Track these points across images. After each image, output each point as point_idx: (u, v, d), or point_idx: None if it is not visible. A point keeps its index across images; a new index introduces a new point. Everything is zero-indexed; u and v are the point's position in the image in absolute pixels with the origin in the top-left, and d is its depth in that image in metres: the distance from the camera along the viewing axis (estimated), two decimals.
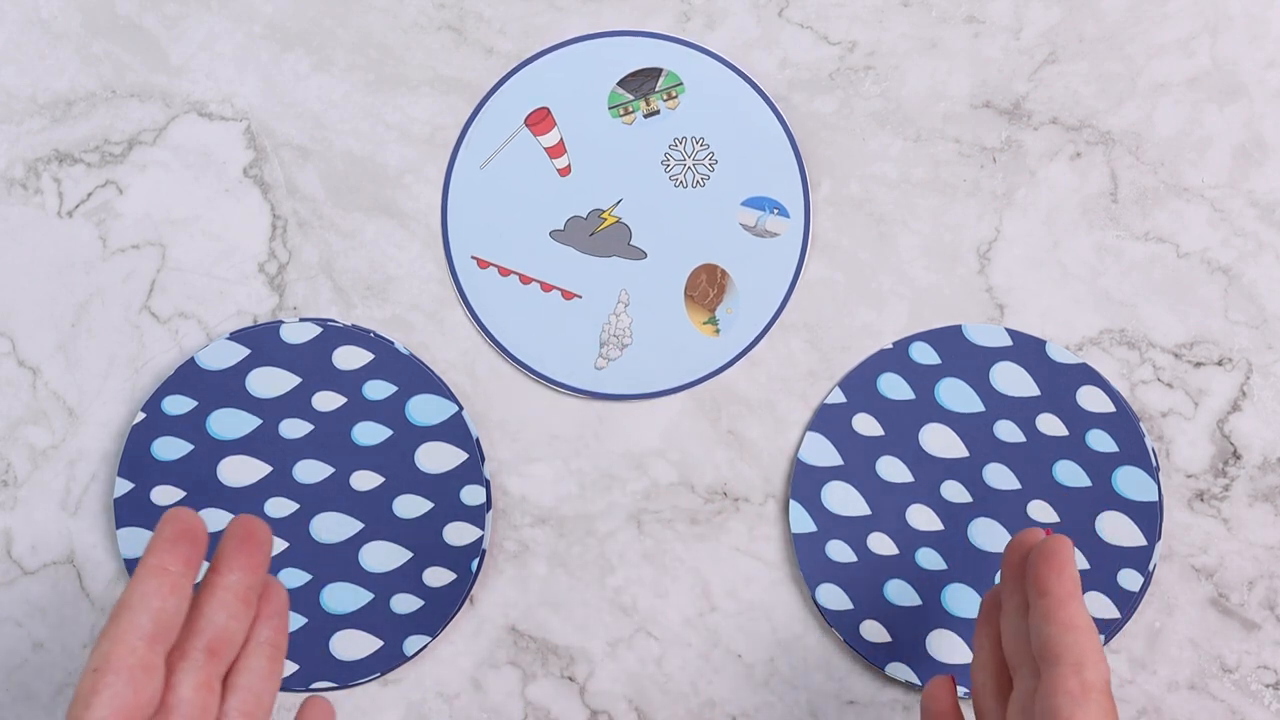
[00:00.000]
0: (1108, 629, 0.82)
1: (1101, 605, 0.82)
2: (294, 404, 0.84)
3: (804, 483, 0.84)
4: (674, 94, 0.86)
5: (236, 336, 0.85)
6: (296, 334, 0.85)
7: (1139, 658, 0.83)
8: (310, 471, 0.84)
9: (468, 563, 0.84)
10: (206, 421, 0.84)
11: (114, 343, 0.86)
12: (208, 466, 0.84)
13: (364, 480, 0.84)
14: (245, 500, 0.84)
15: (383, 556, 0.84)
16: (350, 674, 0.84)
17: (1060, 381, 0.83)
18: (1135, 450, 0.83)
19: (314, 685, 0.84)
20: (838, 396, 0.85)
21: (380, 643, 0.84)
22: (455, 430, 0.85)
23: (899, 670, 0.83)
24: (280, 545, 0.84)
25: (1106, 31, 0.85)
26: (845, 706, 0.84)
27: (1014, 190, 0.85)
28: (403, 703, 0.85)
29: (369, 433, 0.84)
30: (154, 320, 0.86)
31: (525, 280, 0.86)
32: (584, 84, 0.86)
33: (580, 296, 0.85)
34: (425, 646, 0.84)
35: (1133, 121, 0.85)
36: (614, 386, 0.85)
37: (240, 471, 0.84)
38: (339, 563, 0.84)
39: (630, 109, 0.86)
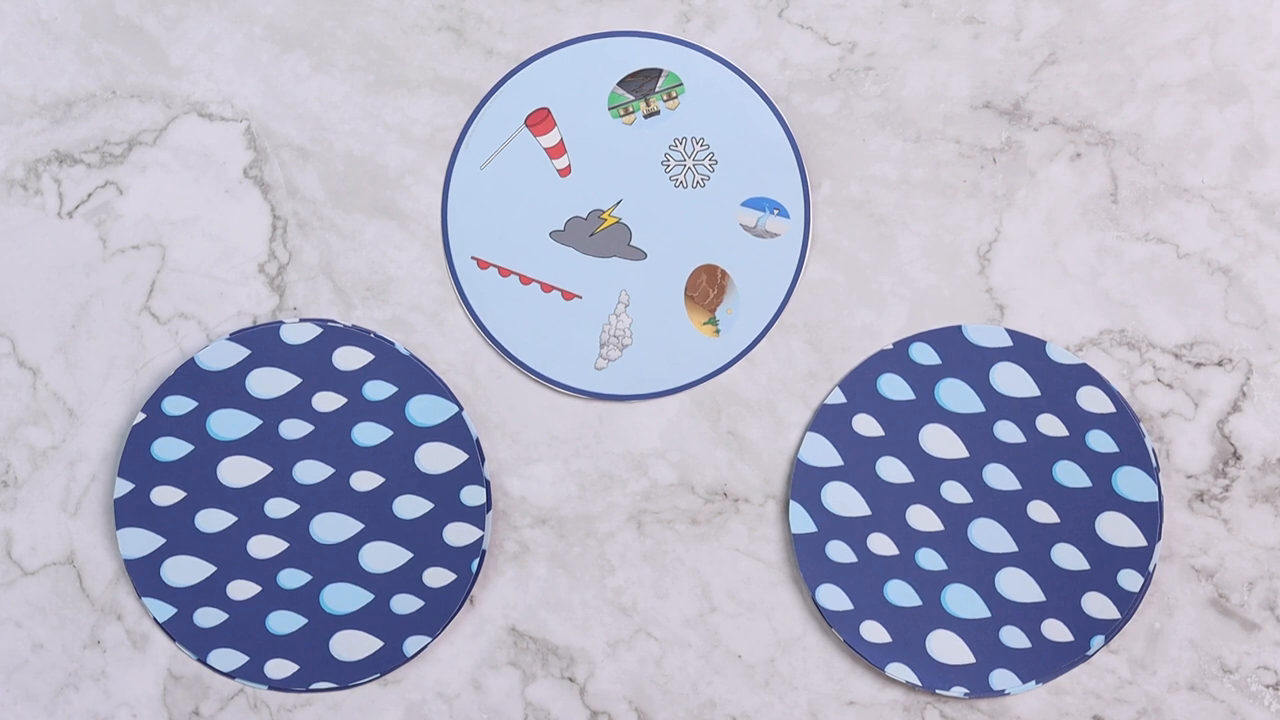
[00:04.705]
0: (1108, 629, 0.82)
1: (1101, 605, 0.82)
2: (294, 404, 0.84)
3: (804, 483, 0.84)
4: (674, 94, 0.86)
5: (236, 337, 0.85)
6: (296, 334, 0.85)
7: (1139, 658, 0.83)
8: (310, 472, 0.84)
9: (468, 563, 0.84)
10: (206, 422, 0.84)
11: (114, 343, 0.86)
12: (208, 467, 0.84)
13: (364, 481, 0.84)
14: (245, 501, 0.84)
15: (383, 557, 0.84)
16: (350, 674, 0.84)
17: (1060, 382, 0.83)
18: (1135, 451, 0.83)
19: (314, 685, 0.84)
20: (838, 397, 0.85)
21: (380, 643, 0.84)
22: (455, 431, 0.85)
23: (899, 670, 0.83)
24: (280, 545, 0.84)
25: (1106, 32, 0.85)
26: (845, 707, 0.84)
27: (1014, 191, 0.85)
28: (403, 703, 0.85)
29: (369, 433, 0.84)
30: (154, 321, 0.86)
31: (525, 281, 0.86)
32: (584, 84, 0.86)
33: (580, 297, 0.85)
34: (425, 647, 0.84)
35: (1133, 122, 0.85)
36: (614, 387, 0.85)
37: (240, 472, 0.84)
38: (339, 563, 0.84)
39: (630, 109, 0.86)
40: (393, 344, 0.85)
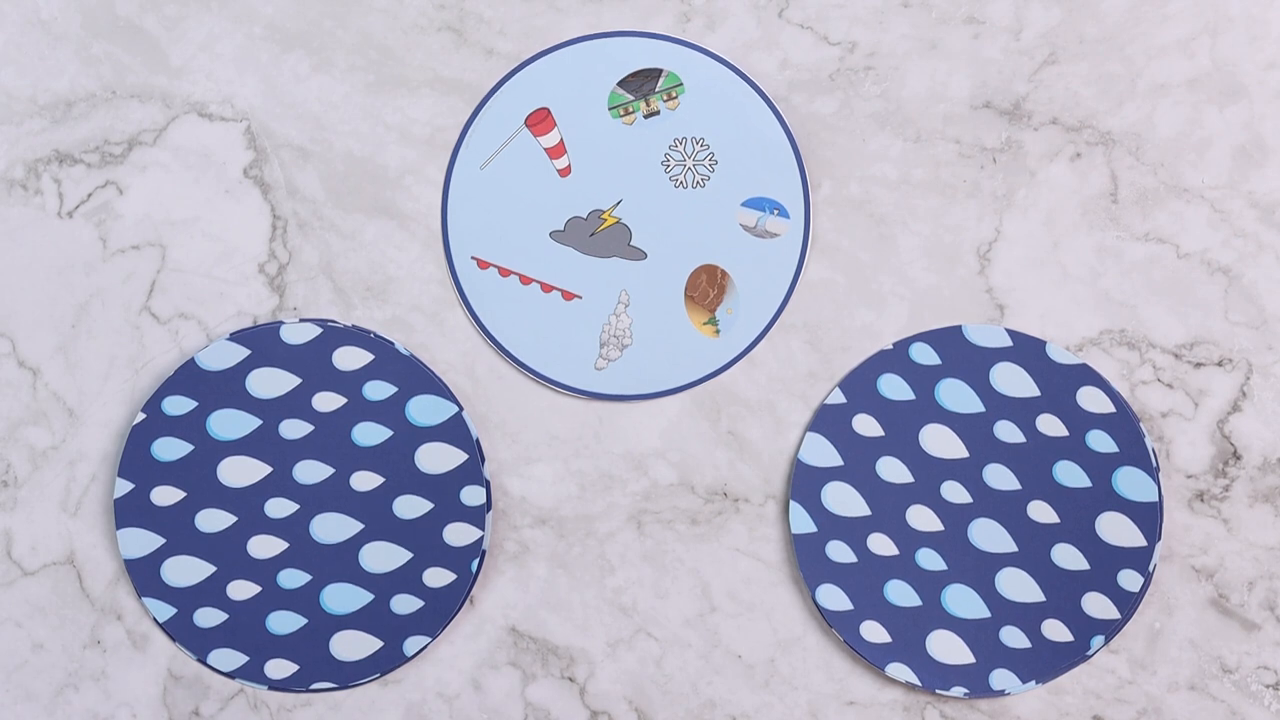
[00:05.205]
0: (1108, 629, 0.82)
1: (1101, 605, 0.82)
2: (294, 404, 0.84)
3: (804, 483, 0.84)
4: (674, 94, 0.86)
5: (236, 337, 0.85)
6: (296, 334, 0.85)
7: (1139, 658, 0.83)
8: (310, 472, 0.84)
9: (468, 563, 0.84)
10: (206, 422, 0.84)
11: (114, 343, 0.86)
12: (208, 467, 0.84)
13: (364, 481, 0.84)
14: (245, 501, 0.84)
15: (383, 557, 0.84)
16: (350, 674, 0.84)
17: (1060, 382, 0.83)
18: (1135, 451, 0.83)
19: (314, 685, 0.84)
20: (838, 397, 0.85)
21: (380, 643, 0.84)
22: (455, 431, 0.85)
23: (899, 670, 0.83)
24: (280, 545, 0.84)
25: (1106, 32, 0.85)
26: (845, 707, 0.84)
27: (1014, 191, 0.85)
28: (403, 703, 0.85)
29: (369, 433, 0.84)
30: (154, 321, 0.86)
31: (525, 281, 0.86)
32: (584, 84, 0.86)
33: (580, 297, 0.85)
34: (425, 647, 0.84)
35: (1133, 122, 0.85)
36: (614, 387, 0.85)
37: (240, 472, 0.84)
38: (339, 563, 0.84)
39: (630, 109, 0.86)
40: (393, 344, 0.85)
